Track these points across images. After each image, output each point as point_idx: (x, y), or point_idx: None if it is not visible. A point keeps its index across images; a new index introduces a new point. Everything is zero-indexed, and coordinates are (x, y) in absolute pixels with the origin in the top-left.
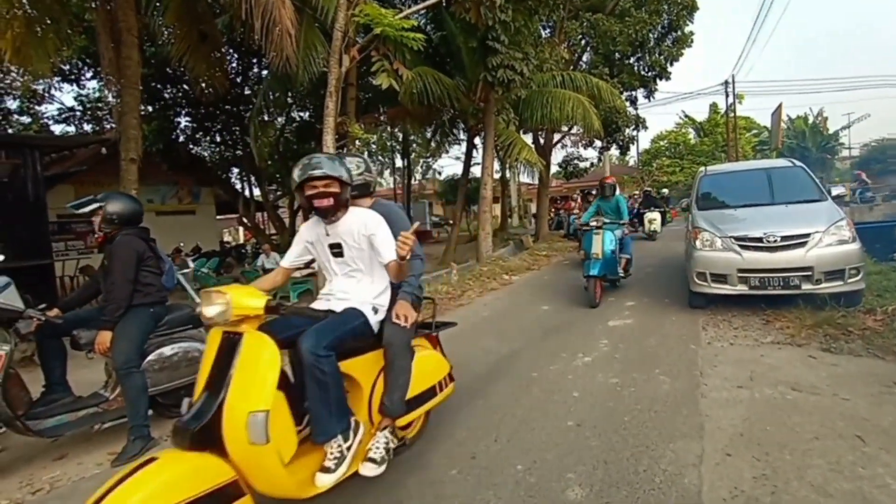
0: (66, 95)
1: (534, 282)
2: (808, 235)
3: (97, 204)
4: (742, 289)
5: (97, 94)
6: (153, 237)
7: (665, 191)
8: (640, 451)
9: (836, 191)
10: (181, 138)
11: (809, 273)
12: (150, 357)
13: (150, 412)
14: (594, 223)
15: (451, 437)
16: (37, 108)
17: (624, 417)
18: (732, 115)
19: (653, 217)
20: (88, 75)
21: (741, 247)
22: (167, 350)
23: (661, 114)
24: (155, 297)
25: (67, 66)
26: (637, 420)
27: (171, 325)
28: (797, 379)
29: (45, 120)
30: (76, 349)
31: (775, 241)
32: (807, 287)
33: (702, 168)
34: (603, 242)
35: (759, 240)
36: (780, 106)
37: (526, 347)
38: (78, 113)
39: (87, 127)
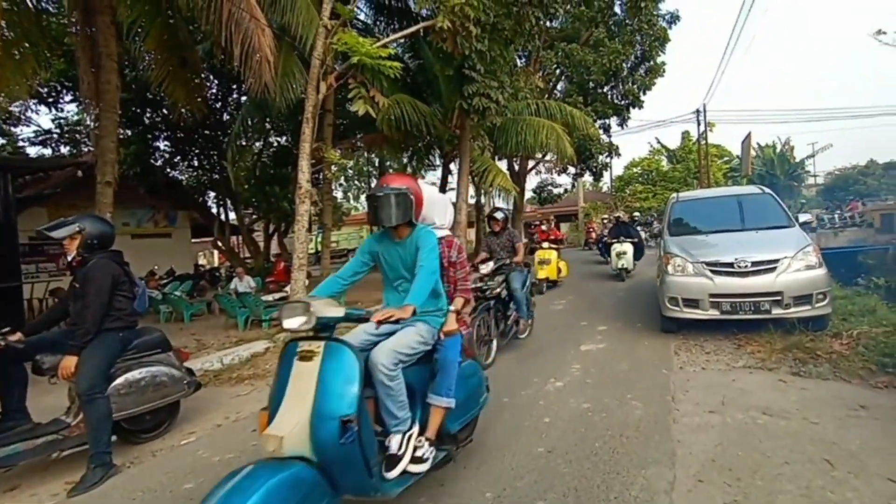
0: (44, 118)
1: None
2: (777, 261)
3: (76, 227)
4: (714, 313)
5: (76, 118)
6: (126, 260)
7: (637, 215)
8: (612, 477)
9: (803, 217)
10: (159, 162)
11: (779, 298)
12: (118, 381)
13: (114, 438)
14: (291, 320)
15: None
16: (13, 129)
17: (595, 443)
18: (704, 142)
19: (622, 250)
20: (67, 98)
21: (713, 272)
22: (135, 374)
23: (634, 141)
24: (125, 321)
25: (45, 89)
26: (608, 446)
27: (139, 349)
28: (768, 403)
29: (22, 142)
30: (38, 374)
31: (746, 266)
32: (777, 311)
33: (674, 194)
34: (314, 413)
35: (731, 265)
36: (749, 135)
37: (498, 372)
38: (55, 135)
39: (65, 150)
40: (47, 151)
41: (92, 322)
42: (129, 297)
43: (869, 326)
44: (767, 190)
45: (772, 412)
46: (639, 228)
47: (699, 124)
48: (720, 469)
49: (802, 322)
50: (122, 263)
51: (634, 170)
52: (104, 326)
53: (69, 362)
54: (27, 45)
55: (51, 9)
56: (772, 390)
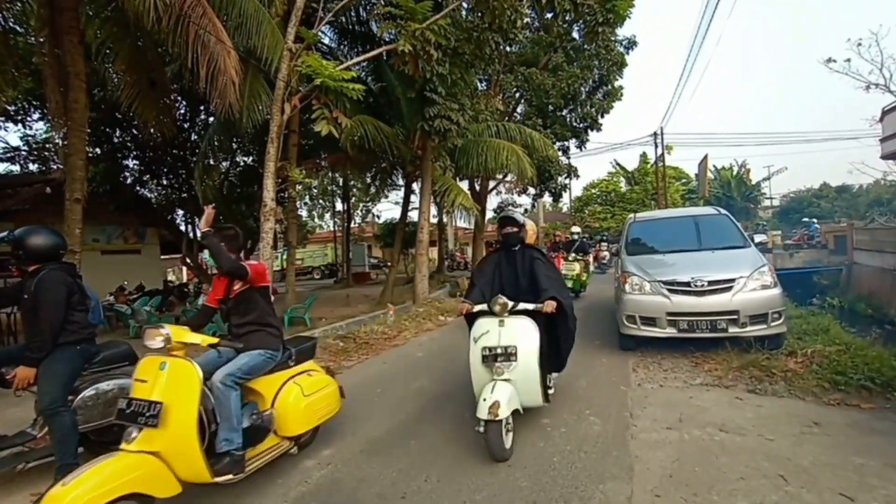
0: (12, 135)
1: None
2: (733, 280)
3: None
4: (671, 332)
5: (44, 135)
6: (82, 274)
7: (577, 230)
8: (570, 492)
9: (758, 238)
10: (129, 180)
11: (735, 317)
12: (85, 393)
13: (81, 450)
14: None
15: (382, 477)
16: None
17: (554, 458)
18: (662, 164)
19: (501, 344)
20: (35, 116)
21: (669, 291)
22: (102, 386)
23: (592, 163)
24: (81, 334)
25: (13, 107)
26: (567, 461)
27: (106, 362)
28: (724, 420)
29: None
30: (3, 387)
31: (702, 285)
32: (733, 330)
33: (631, 215)
34: None
35: (687, 284)
36: (705, 157)
37: (459, 388)
38: (23, 152)
39: (33, 167)
40: (15, 168)
41: (47, 335)
42: (81, 310)
43: (822, 345)
44: (723, 211)
45: (728, 429)
46: (578, 257)
47: (657, 147)
48: (677, 484)
49: (758, 340)
50: (74, 276)
51: (593, 191)
52: (60, 340)
53: (24, 373)
54: None
55: (18, 28)
56: (728, 407)
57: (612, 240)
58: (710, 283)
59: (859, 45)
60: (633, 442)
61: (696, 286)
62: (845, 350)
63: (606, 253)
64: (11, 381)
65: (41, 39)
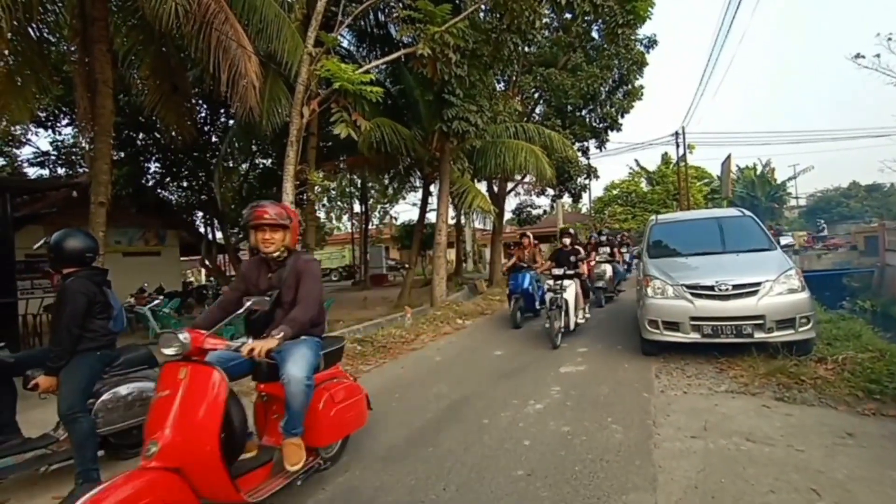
0: (42, 140)
1: (487, 326)
2: (758, 284)
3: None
4: (695, 337)
5: (72, 140)
6: (109, 279)
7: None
8: (592, 502)
9: (784, 240)
10: (150, 183)
11: (761, 321)
12: (104, 397)
13: (101, 453)
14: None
15: (400, 484)
16: (14, 150)
17: (575, 467)
18: (684, 164)
19: None
20: (64, 122)
21: (693, 295)
22: (122, 390)
23: (613, 163)
24: (101, 341)
25: (44, 113)
26: (588, 470)
27: (126, 365)
28: (751, 429)
29: (20, 163)
30: (30, 390)
31: (727, 289)
32: (759, 335)
33: (653, 216)
34: None
35: (711, 288)
36: (728, 156)
37: (477, 393)
38: (52, 157)
39: (61, 171)
40: (45, 172)
41: (66, 345)
42: (103, 318)
43: (854, 351)
44: (748, 213)
45: (755, 438)
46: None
47: (678, 146)
48: (703, 496)
49: (786, 346)
50: (101, 283)
51: (614, 191)
52: (80, 347)
53: (45, 382)
54: (28, 71)
55: (51, 38)
56: (755, 416)
57: (623, 242)
58: (735, 286)
59: (889, 39)
60: (657, 451)
61: (720, 290)
62: (880, 357)
63: (606, 267)
64: (36, 384)
65: (72, 48)
